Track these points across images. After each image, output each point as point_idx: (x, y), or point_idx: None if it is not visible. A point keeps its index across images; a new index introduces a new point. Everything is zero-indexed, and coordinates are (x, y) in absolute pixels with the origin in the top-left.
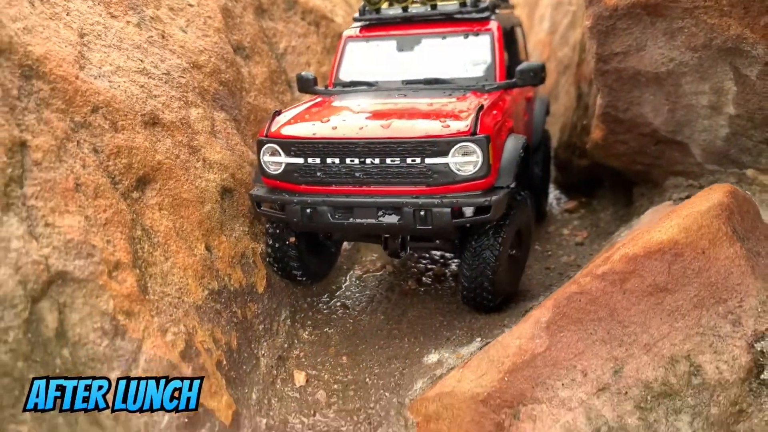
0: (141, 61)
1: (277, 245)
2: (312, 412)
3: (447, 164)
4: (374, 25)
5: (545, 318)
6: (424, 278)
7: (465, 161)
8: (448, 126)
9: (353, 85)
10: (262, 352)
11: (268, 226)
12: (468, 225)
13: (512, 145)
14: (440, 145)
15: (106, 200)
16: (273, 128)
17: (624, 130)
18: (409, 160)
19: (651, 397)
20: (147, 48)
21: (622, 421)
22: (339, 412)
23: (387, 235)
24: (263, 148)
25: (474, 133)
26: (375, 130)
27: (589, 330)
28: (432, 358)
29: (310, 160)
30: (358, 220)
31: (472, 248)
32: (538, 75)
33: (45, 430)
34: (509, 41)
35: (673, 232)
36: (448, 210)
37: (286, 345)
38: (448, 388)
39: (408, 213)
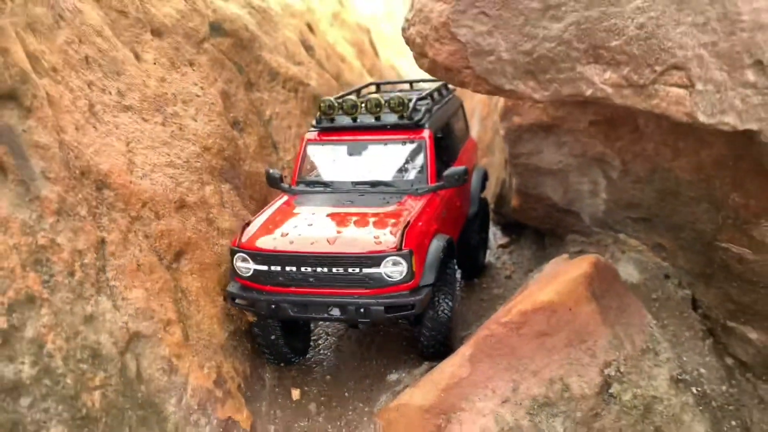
0: (168, 154)
1: (266, 338)
2: (306, 419)
3: (380, 273)
4: (329, 130)
5: (468, 352)
6: None
7: (393, 270)
8: (380, 242)
9: (312, 185)
10: (267, 375)
11: (254, 326)
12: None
13: (435, 248)
14: (374, 259)
15: (157, 274)
16: (244, 239)
17: (533, 201)
18: (350, 269)
19: (537, 406)
20: (171, 142)
21: (518, 423)
22: (326, 419)
23: None
24: (235, 256)
25: (400, 248)
26: (323, 245)
27: (497, 361)
28: (393, 377)
29: (272, 267)
30: (312, 314)
31: (431, 316)
32: (461, 178)
33: None
34: (446, 134)
35: (551, 294)
36: (382, 307)
37: (283, 367)
38: (404, 401)
39: (351, 310)
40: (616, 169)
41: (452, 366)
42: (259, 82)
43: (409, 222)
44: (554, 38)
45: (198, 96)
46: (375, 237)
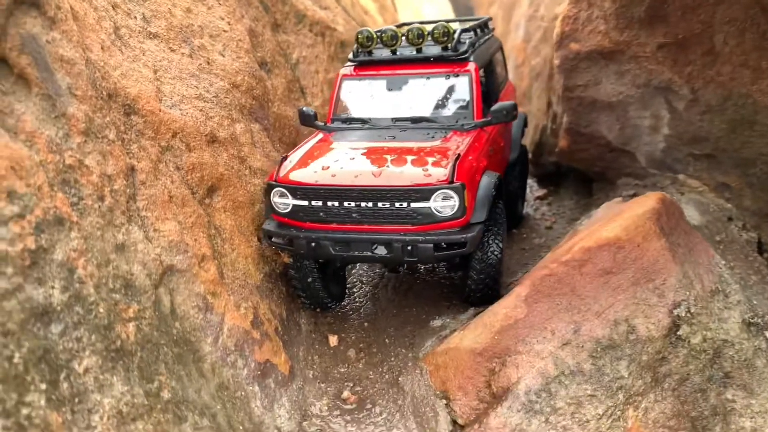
0: (197, 87)
1: (302, 281)
2: (346, 364)
3: (429, 207)
4: (366, 64)
5: (524, 293)
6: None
7: (444, 205)
8: (430, 175)
9: (349, 122)
10: (303, 320)
11: (290, 268)
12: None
13: (486, 184)
14: (423, 192)
15: (190, 207)
16: (281, 173)
17: (584, 141)
18: (397, 204)
19: (600, 349)
20: (199, 75)
21: (579, 366)
22: (367, 365)
23: None
24: (273, 191)
25: (452, 182)
26: (368, 178)
27: (556, 301)
28: (437, 322)
29: (313, 202)
30: (355, 253)
31: (479, 258)
32: (510, 114)
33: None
34: (488, 73)
35: (617, 230)
36: (431, 245)
37: (319, 313)
38: (453, 344)
39: (397, 248)
40: (684, 98)
41: (506, 307)
42: (286, 24)
43: (459, 155)
44: None
45: (225, 31)
46: (424, 170)
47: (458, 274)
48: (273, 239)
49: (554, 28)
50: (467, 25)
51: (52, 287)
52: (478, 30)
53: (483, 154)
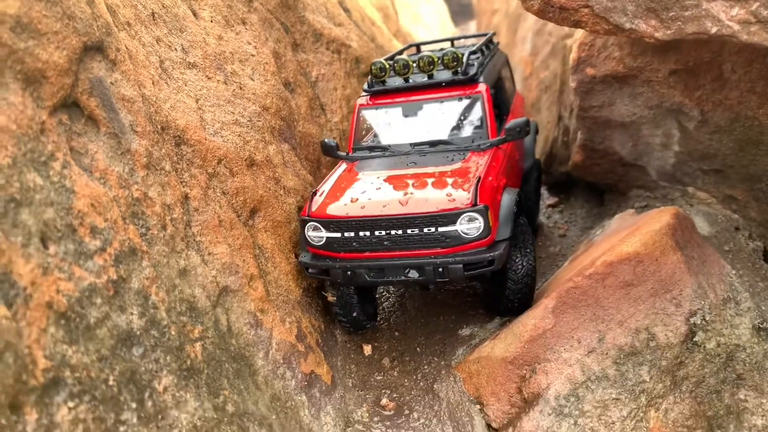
0: (233, 113)
1: (344, 308)
2: (381, 373)
3: (456, 230)
4: (381, 93)
5: (551, 305)
6: None
7: (470, 227)
8: (454, 200)
9: (369, 150)
10: (338, 332)
11: (333, 300)
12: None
13: (507, 202)
14: (450, 217)
15: (237, 230)
16: (313, 208)
17: (598, 156)
18: (425, 230)
19: (623, 356)
20: (233, 100)
21: (604, 372)
22: (401, 372)
23: None
24: (307, 226)
25: (475, 204)
26: (395, 207)
27: (582, 312)
28: (466, 331)
29: (346, 234)
30: (389, 278)
31: (513, 269)
32: (523, 130)
33: None
34: (498, 89)
35: (636, 246)
36: (461, 266)
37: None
38: (485, 353)
39: (429, 270)
40: (694, 119)
41: (534, 318)
42: (304, 43)
43: (480, 177)
44: None
45: (253, 55)
46: (448, 195)
47: (486, 286)
48: (310, 270)
49: (561, 42)
50: (471, 42)
51: (132, 314)
52: (485, 49)
53: (501, 172)
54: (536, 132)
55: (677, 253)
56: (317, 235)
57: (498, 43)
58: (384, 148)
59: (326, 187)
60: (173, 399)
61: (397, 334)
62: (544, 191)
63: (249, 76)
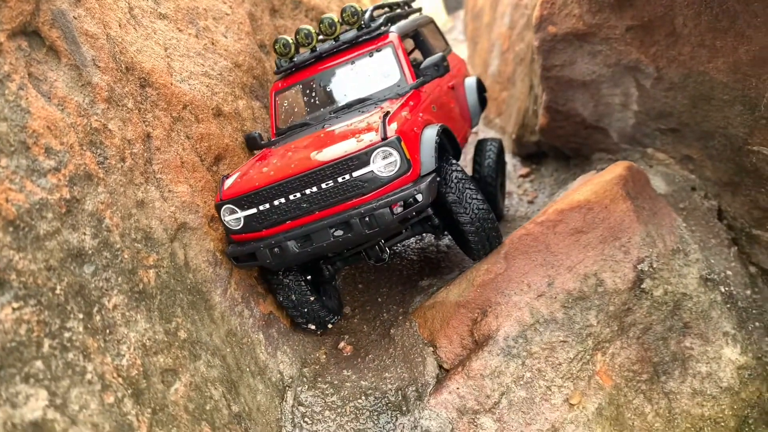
0: (203, 65)
1: (289, 300)
2: (343, 320)
3: (372, 171)
4: (292, 71)
5: (503, 251)
6: None
7: (386, 164)
8: (362, 140)
9: (290, 130)
10: None
11: (278, 294)
12: (411, 215)
13: (428, 134)
14: (361, 158)
15: (200, 173)
16: (224, 189)
17: (562, 118)
18: (340, 179)
19: (571, 300)
20: (204, 54)
21: (552, 315)
22: (361, 320)
23: (363, 249)
24: (221, 211)
25: (384, 138)
26: (303, 163)
27: (533, 258)
28: (425, 282)
29: (261, 207)
30: (318, 244)
31: (464, 212)
32: (440, 67)
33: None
34: (417, 42)
35: (587, 194)
36: (387, 209)
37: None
38: (440, 298)
39: (356, 224)
40: (650, 76)
41: (487, 263)
42: (283, 9)
43: (388, 113)
44: None
45: (227, 14)
46: (357, 138)
47: (446, 237)
48: (239, 261)
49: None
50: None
51: (84, 233)
52: (394, 6)
53: (420, 109)
54: (482, 88)
55: (627, 201)
56: (234, 217)
57: (420, 8)
58: (305, 124)
59: (238, 170)
60: (123, 317)
61: (360, 286)
62: (516, 162)
63: (222, 33)
